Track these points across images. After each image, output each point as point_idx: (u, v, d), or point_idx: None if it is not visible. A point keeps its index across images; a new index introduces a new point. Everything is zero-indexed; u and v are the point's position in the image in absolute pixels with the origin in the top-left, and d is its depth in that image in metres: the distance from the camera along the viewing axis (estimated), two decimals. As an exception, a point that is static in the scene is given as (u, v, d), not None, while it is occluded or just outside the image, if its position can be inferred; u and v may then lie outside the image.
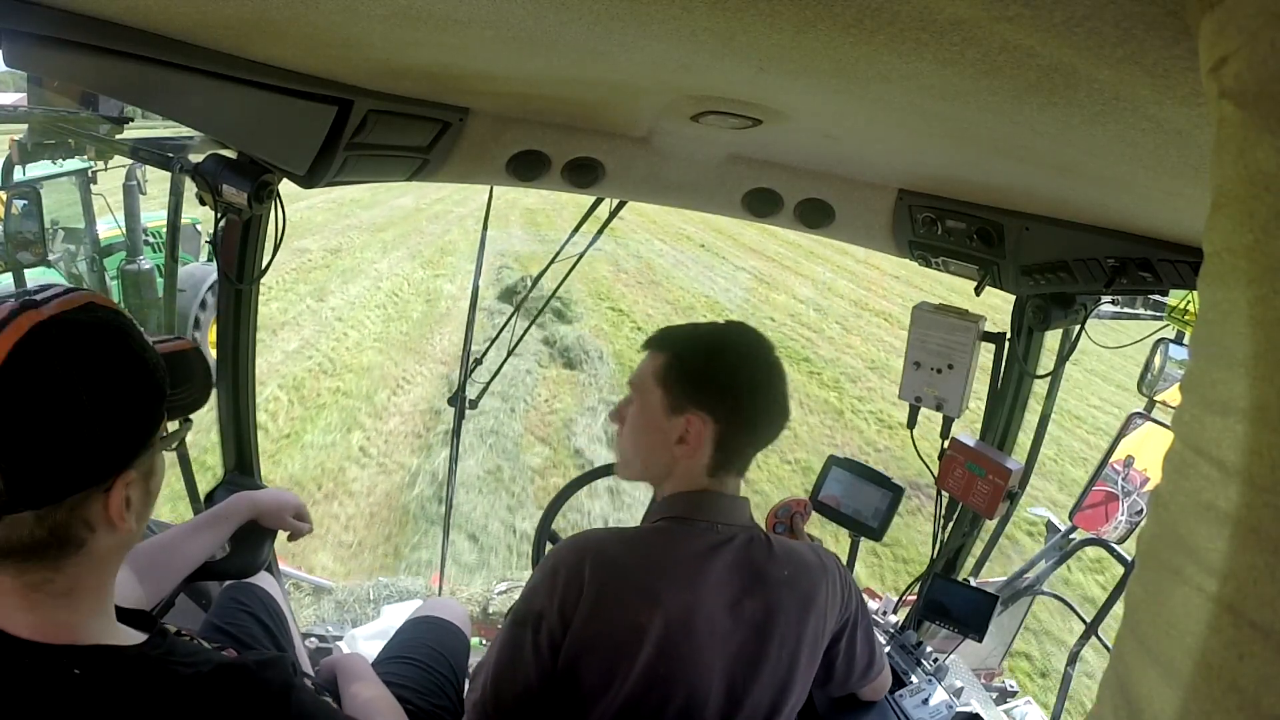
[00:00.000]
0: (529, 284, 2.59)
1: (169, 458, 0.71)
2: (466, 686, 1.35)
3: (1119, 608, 1.58)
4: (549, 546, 1.61)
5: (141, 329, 0.63)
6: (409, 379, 7.00)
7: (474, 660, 1.13)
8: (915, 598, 1.69)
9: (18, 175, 4.86)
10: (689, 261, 13.42)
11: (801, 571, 0.95)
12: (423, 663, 1.29)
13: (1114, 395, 9.06)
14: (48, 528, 0.56)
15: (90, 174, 5.40)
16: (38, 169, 4.97)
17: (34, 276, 4.97)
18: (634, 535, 0.95)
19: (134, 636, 0.65)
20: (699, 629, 0.88)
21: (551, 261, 2.27)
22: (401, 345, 7.81)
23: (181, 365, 0.68)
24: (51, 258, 5.32)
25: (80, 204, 5.54)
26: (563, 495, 1.72)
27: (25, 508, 0.54)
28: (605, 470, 1.80)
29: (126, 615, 0.69)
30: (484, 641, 2.39)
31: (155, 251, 5.89)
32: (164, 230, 5.79)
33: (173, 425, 0.67)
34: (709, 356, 0.95)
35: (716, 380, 0.93)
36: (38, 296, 0.57)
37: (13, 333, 0.53)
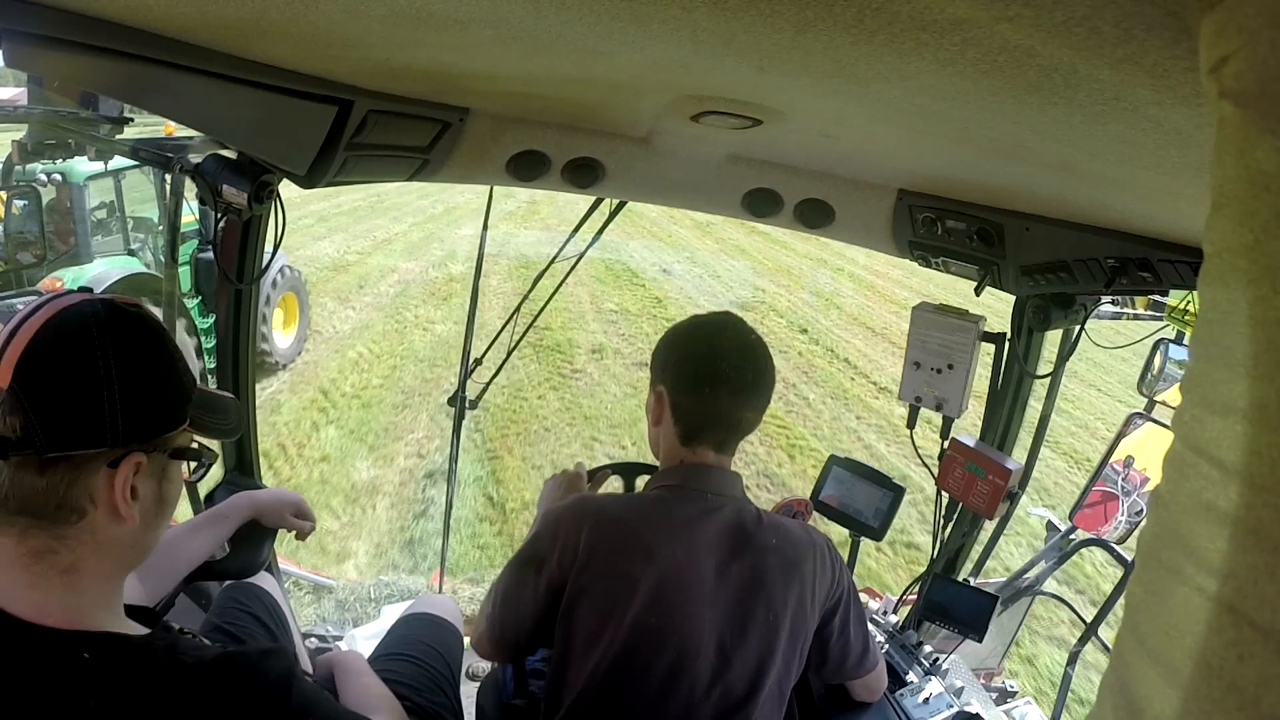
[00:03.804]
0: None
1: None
2: (463, 680, 1.36)
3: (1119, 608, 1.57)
4: None
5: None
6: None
7: (471, 659, 1.14)
8: (915, 598, 1.69)
9: (97, 166, 4.84)
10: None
11: (788, 541, 1.00)
12: (419, 659, 1.29)
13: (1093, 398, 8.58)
14: (48, 481, 0.60)
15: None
16: (115, 161, 4.94)
17: (117, 265, 5.01)
18: (631, 498, 1.06)
19: (139, 629, 0.67)
20: (690, 585, 0.94)
21: (550, 263, 2.26)
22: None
23: (218, 402, 0.75)
24: (133, 246, 5.35)
25: (154, 193, 5.55)
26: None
27: (33, 449, 0.59)
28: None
29: (130, 612, 0.70)
30: None
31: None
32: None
33: (193, 443, 0.72)
34: (673, 335, 1.06)
35: (666, 350, 1.05)
36: (96, 291, 0.67)
37: (65, 300, 0.63)
